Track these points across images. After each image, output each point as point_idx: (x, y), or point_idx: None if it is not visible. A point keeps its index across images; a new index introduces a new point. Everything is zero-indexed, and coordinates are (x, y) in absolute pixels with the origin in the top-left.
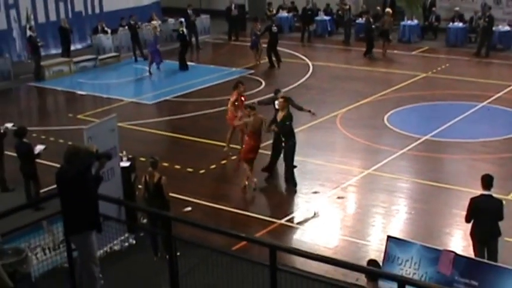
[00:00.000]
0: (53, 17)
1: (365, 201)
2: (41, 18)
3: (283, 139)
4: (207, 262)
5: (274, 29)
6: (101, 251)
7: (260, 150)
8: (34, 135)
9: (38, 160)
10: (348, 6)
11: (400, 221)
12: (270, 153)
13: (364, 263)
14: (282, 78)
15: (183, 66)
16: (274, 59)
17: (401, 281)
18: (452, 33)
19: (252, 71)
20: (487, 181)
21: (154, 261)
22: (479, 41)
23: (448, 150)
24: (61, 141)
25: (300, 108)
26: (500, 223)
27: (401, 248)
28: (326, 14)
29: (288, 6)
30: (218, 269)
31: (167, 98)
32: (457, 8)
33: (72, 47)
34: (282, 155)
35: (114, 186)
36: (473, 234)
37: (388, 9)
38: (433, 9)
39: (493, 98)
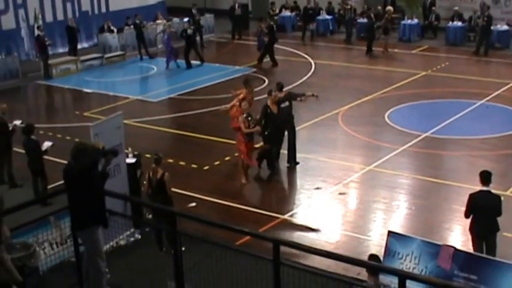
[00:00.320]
0: (60, 16)
1: (366, 197)
2: (49, 18)
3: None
4: (212, 257)
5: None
6: (107, 246)
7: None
8: (42, 132)
9: (45, 157)
10: (349, 6)
11: (401, 217)
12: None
13: (365, 258)
14: (284, 76)
15: (188, 65)
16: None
17: (402, 276)
18: (451, 32)
19: (255, 69)
20: (485, 177)
21: (160, 256)
22: (478, 40)
23: (448, 147)
24: (68, 138)
25: (303, 94)
26: (498, 218)
27: (401, 243)
28: (328, 13)
29: (291, 6)
30: (222, 264)
31: (172, 95)
32: (456, 8)
33: (79, 46)
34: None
35: (120, 182)
36: (472, 229)
37: (389, 8)
38: (433, 8)
39: (492, 95)
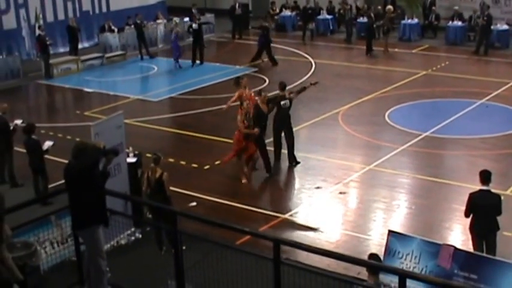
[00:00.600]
0: (61, 16)
1: (366, 196)
2: (50, 18)
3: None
4: (212, 256)
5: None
6: (108, 245)
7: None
8: (42, 131)
9: (46, 156)
10: (349, 6)
11: (401, 216)
12: (271, 149)
13: (365, 257)
14: (285, 75)
15: (193, 62)
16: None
17: (402, 275)
18: (451, 32)
19: (256, 69)
20: (485, 176)
21: (160, 255)
22: (478, 40)
23: (448, 147)
24: (69, 137)
25: (303, 88)
26: (498, 218)
27: (401, 242)
28: (328, 13)
29: (291, 5)
30: (223, 263)
31: (172, 95)
32: (456, 7)
33: (80, 46)
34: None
35: (120, 182)
36: (472, 228)
37: (389, 7)
38: (433, 8)
39: (492, 95)
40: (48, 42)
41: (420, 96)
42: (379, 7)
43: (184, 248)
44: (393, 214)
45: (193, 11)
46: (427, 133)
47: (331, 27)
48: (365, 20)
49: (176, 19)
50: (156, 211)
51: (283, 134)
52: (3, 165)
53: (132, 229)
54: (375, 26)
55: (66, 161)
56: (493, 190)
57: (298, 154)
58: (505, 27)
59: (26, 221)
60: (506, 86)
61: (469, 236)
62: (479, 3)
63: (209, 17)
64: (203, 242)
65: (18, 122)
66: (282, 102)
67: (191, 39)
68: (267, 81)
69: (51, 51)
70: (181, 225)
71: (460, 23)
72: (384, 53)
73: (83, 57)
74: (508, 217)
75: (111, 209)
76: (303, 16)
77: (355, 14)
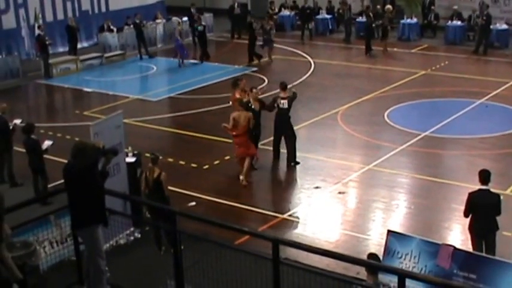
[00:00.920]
0: (60, 15)
1: (365, 196)
2: (49, 17)
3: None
4: (211, 256)
5: (255, 25)
6: (107, 245)
7: (261, 146)
8: (42, 131)
9: (45, 156)
10: (347, 6)
11: (400, 216)
12: (270, 148)
13: (364, 257)
14: (284, 75)
15: (201, 59)
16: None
17: (401, 274)
18: (450, 32)
19: (255, 69)
20: (484, 176)
21: (159, 255)
22: (477, 39)
23: (447, 146)
24: (68, 137)
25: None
26: (498, 217)
27: (401, 242)
28: (328, 13)
29: (290, 5)
30: (222, 263)
31: (172, 95)
32: (455, 7)
33: (79, 45)
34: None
35: (120, 181)
36: (471, 228)
37: (388, 6)
38: (432, 7)
39: (491, 95)
40: (47, 42)
41: (419, 96)
42: (378, 6)
43: (183, 247)
44: (392, 214)
45: (192, 10)
46: (427, 133)
47: (330, 27)
48: (364, 19)
49: (176, 18)
50: (155, 211)
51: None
52: (3, 164)
53: (131, 229)
54: (374, 25)
55: (65, 161)
56: (492, 190)
57: (298, 154)
58: (504, 26)
59: (25, 220)
60: (506, 86)
61: (469, 236)
62: (479, 2)
63: (208, 16)
64: (202, 241)
65: (18, 121)
66: (281, 102)
67: (190, 38)
68: (266, 80)
69: (51, 51)
70: (181, 225)
71: (459, 23)
72: (383, 52)
73: (82, 57)
74: (507, 217)
75: (110, 208)
76: (301, 16)
77: (354, 14)
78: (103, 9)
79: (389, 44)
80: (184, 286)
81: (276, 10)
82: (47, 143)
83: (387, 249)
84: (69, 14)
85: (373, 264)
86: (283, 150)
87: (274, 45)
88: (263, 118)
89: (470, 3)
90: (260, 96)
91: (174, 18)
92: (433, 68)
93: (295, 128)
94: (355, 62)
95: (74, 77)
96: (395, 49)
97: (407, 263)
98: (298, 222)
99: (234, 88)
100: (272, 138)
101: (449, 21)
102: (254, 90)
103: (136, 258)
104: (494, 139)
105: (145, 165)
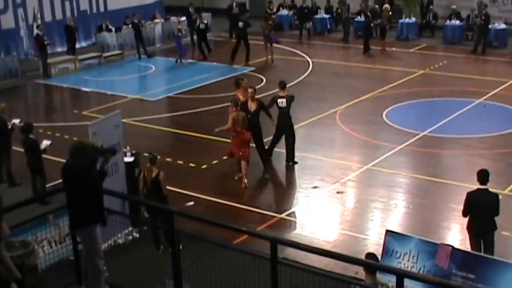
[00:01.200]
0: (59, 15)
1: (364, 196)
2: (48, 17)
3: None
4: (209, 255)
5: (241, 24)
6: (106, 244)
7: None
8: (40, 131)
9: (44, 155)
10: (346, 6)
11: (399, 216)
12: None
13: (363, 257)
14: (282, 75)
15: (203, 56)
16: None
17: (400, 274)
18: (449, 31)
19: (253, 68)
20: (483, 176)
21: (158, 255)
22: (475, 39)
23: (446, 146)
24: (66, 137)
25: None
26: (496, 217)
27: (399, 242)
28: (326, 12)
29: (288, 5)
30: (220, 262)
31: (170, 94)
32: (454, 6)
33: (78, 45)
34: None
35: (118, 181)
36: (469, 228)
37: (386, 6)
38: (431, 7)
39: (489, 94)
40: (46, 42)
41: (418, 95)
42: (376, 6)
43: (181, 247)
44: (391, 214)
45: (191, 10)
46: (425, 132)
47: (328, 27)
48: (362, 19)
49: (176, 18)
50: (153, 210)
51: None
52: (1, 164)
53: (130, 228)
54: (372, 25)
55: (63, 161)
56: (491, 189)
57: (296, 153)
58: (503, 26)
59: (24, 220)
60: (504, 85)
61: (467, 236)
62: (477, 2)
63: (206, 16)
64: (200, 241)
65: (16, 121)
66: (279, 101)
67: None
68: (264, 80)
69: (49, 51)
70: (179, 224)
71: (457, 22)
72: (382, 52)
73: (81, 57)
74: (506, 216)
75: (108, 208)
76: (299, 15)
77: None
78: (101, 9)
79: (387, 43)
80: (183, 285)
81: (274, 10)
82: (45, 143)
83: (385, 249)
84: (68, 13)
85: (371, 264)
86: (277, 149)
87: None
88: (262, 116)
89: (469, 3)
90: (258, 96)
91: (173, 18)
92: (432, 67)
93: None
94: (353, 62)
95: (73, 76)
96: (393, 49)
97: (405, 263)
98: (296, 222)
99: (237, 88)
100: (271, 137)
101: (448, 21)
102: (250, 90)
103: (135, 258)
104: (493, 139)
105: (143, 165)
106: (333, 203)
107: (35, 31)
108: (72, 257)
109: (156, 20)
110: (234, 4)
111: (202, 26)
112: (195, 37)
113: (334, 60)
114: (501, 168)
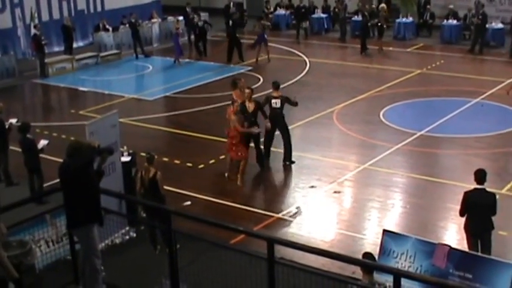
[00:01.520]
0: (56, 15)
1: (361, 195)
2: (45, 17)
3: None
4: (206, 255)
5: (230, 23)
6: (103, 244)
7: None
8: (38, 130)
9: (41, 155)
10: (343, 5)
11: (396, 215)
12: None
13: (360, 257)
14: (279, 74)
15: (199, 53)
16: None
17: (397, 274)
18: (446, 31)
19: (250, 68)
20: (480, 175)
21: (155, 254)
22: (473, 38)
23: (443, 146)
24: (64, 136)
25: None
26: (493, 217)
27: (396, 242)
28: (323, 12)
29: (286, 4)
30: (217, 262)
31: (167, 94)
32: (451, 6)
33: (75, 45)
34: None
35: (115, 181)
36: (467, 227)
37: (382, 5)
38: (428, 6)
39: (487, 94)
40: (43, 42)
41: (415, 95)
42: (374, 5)
43: (178, 247)
44: (388, 213)
45: (188, 10)
46: (422, 132)
47: (325, 26)
48: (359, 18)
49: (172, 17)
50: (150, 210)
51: (277, 133)
52: None
53: (127, 228)
54: (369, 24)
55: (61, 160)
56: (488, 189)
57: (293, 153)
58: (500, 25)
59: (21, 219)
60: (501, 85)
61: (464, 235)
62: (474, 1)
63: (203, 15)
64: (197, 241)
65: (13, 121)
66: (273, 101)
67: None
68: (261, 79)
69: (46, 51)
70: (176, 224)
71: (455, 22)
72: (379, 51)
73: (78, 57)
74: (503, 216)
75: (105, 208)
76: (296, 15)
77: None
78: (98, 8)
79: (384, 43)
80: (180, 285)
81: (272, 9)
82: (42, 142)
83: (383, 249)
84: (65, 13)
85: (368, 263)
86: (274, 149)
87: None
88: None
89: (466, 2)
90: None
91: (170, 18)
92: (429, 67)
93: (290, 127)
94: (350, 61)
95: (70, 76)
96: (390, 48)
97: (402, 263)
98: (293, 221)
99: (234, 88)
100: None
101: (445, 20)
102: (247, 90)
103: (132, 258)
104: (490, 138)
105: (140, 165)
106: (330, 202)
107: (33, 31)
108: (70, 256)
109: (154, 20)
110: (232, 4)
111: (200, 24)
112: (192, 37)
113: (331, 60)
114: (498, 168)
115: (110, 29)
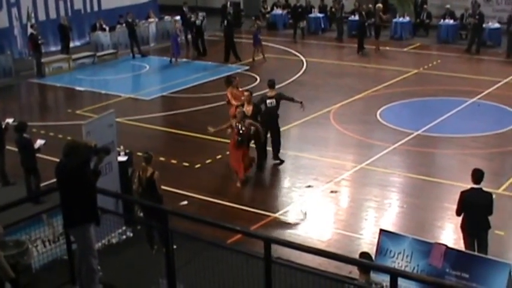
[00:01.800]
0: (53, 14)
1: (358, 195)
2: (42, 16)
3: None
4: (203, 255)
5: (225, 22)
6: (99, 244)
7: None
8: (34, 130)
9: (38, 154)
10: (340, 5)
11: (393, 215)
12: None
13: (357, 256)
14: (276, 74)
15: (198, 52)
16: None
17: (394, 274)
18: (443, 30)
19: (247, 67)
20: (477, 175)
21: (151, 254)
22: (469, 38)
23: (439, 145)
24: (60, 136)
25: (292, 99)
26: (490, 216)
27: (393, 241)
28: (320, 11)
29: (282, 4)
30: (214, 262)
31: (164, 93)
32: (448, 6)
33: (71, 44)
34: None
35: (112, 180)
36: (463, 227)
37: (378, 5)
38: (425, 6)
39: (483, 93)
40: (40, 41)
41: (412, 94)
42: (370, 5)
43: (175, 246)
44: (385, 213)
45: (185, 9)
46: (419, 132)
47: (322, 26)
48: (356, 18)
49: (169, 17)
50: (147, 210)
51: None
52: None
53: (123, 228)
54: (366, 24)
55: (57, 160)
56: (484, 189)
57: (290, 153)
58: (497, 25)
59: (17, 219)
60: (498, 85)
61: (461, 235)
62: (471, 1)
63: (200, 15)
64: (194, 240)
65: (10, 120)
66: (268, 101)
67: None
68: (258, 79)
69: (43, 50)
70: (173, 224)
71: (451, 22)
72: (376, 51)
73: (75, 56)
74: (499, 216)
75: (102, 207)
76: (293, 14)
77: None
78: (95, 8)
79: (381, 42)
80: (176, 285)
81: (269, 9)
82: (39, 142)
83: (379, 249)
84: (62, 13)
85: (365, 263)
86: (269, 148)
87: (265, 43)
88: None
89: (463, 2)
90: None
91: (167, 17)
92: (426, 66)
93: (287, 127)
94: (347, 61)
95: (67, 76)
96: (387, 48)
97: (399, 262)
98: (290, 221)
99: (227, 86)
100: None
101: (442, 20)
102: (246, 93)
103: (129, 257)
104: (487, 138)
105: (137, 164)
106: (327, 202)
107: (29, 30)
108: (66, 256)
109: (150, 19)
110: (228, 3)
111: (198, 22)
112: (189, 36)
113: (328, 60)
114: (495, 168)
115: (107, 28)
